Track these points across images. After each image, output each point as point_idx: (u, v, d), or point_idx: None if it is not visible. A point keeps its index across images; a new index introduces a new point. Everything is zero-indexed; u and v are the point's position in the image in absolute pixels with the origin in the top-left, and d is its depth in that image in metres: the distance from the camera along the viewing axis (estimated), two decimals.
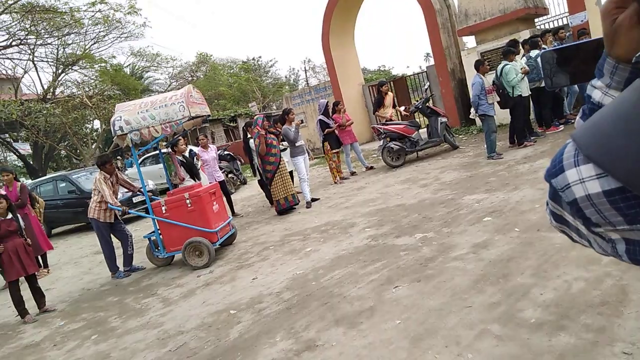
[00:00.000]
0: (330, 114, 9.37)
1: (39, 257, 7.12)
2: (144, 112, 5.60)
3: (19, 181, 7.65)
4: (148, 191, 6.21)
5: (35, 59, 20.39)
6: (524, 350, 2.37)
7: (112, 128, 5.69)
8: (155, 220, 5.97)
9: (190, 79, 32.54)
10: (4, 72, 20.65)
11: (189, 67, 33.85)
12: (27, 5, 17.28)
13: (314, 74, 41.66)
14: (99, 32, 20.96)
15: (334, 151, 9.23)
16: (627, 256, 0.65)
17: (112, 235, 6.31)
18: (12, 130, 20.62)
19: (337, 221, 6.17)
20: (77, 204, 10.92)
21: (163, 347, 3.63)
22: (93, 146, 20.96)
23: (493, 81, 7.66)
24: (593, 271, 2.98)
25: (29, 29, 18.18)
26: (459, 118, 11.98)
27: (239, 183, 13.22)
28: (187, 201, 5.74)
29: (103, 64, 22.76)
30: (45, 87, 22.06)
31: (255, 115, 9.02)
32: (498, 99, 7.59)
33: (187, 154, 7.58)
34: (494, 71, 7.92)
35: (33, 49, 19.67)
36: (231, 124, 26.40)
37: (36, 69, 21.27)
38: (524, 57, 8.06)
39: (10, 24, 17.88)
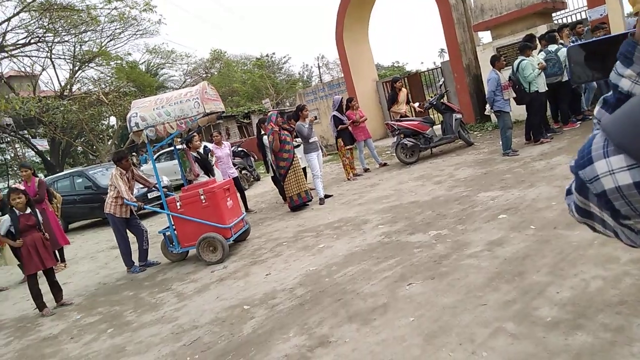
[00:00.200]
0: (344, 111, 9.34)
1: (56, 252, 7.24)
2: (159, 108, 5.65)
3: (37, 177, 7.79)
4: (163, 187, 6.27)
5: (52, 56, 20.75)
6: (540, 349, 2.34)
7: (128, 124, 5.75)
8: (170, 215, 6.03)
9: (204, 75, 32.77)
10: (22, 69, 21.03)
11: (203, 64, 34.10)
12: (45, 4, 17.54)
13: (327, 70, 41.68)
14: (115, 29, 21.22)
15: (348, 147, 9.21)
16: None
17: (127, 231, 6.40)
18: (30, 127, 21.00)
19: (350, 218, 6.16)
20: (94, 199, 11.10)
21: (177, 342, 3.67)
22: (109, 142, 21.25)
23: (509, 77, 7.56)
24: (611, 270, 2.93)
25: (47, 27, 18.47)
26: (473, 114, 11.86)
27: (252, 179, 13.28)
28: (202, 197, 5.79)
29: (119, 61, 23.03)
30: (63, 84, 22.44)
31: (269, 111, 9.04)
32: (514, 95, 7.49)
33: (201, 150, 7.63)
34: (510, 67, 7.80)
35: (51, 46, 20.01)
36: (245, 121, 26.52)
37: (54, 66, 21.66)
38: (541, 52, 7.94)
39: (29, 22, 18.19)
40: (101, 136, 21.66)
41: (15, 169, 23.34)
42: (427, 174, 7.73)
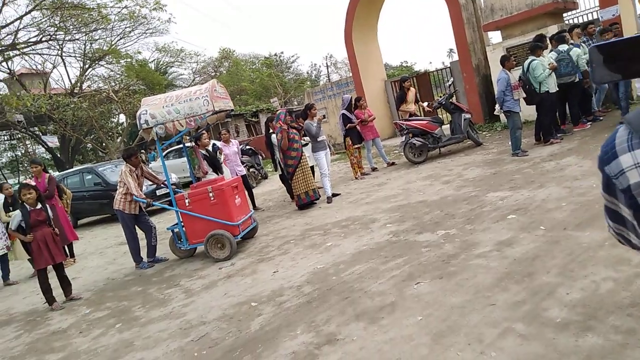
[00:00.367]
0: (352, 110, 9.33)
1: (65, 247, 7.30)
2: (169, 106, 5.68)
3: (47, 173, 7.86)
4: (171, 184, 6.30)
5: (63, 54, 20.97)
6: (549, 350, 2.32)
7: (137, 121, 5.78)
8: (179, 212, 6.06)
9: (213, 74, 32.89)
10: (34, 67, 21.25)
11: (212, 63, 34.22)
12: (57, 2, 17.70)
13: (335, 69, 41.65)
14: (125, 27, 21.41)
15: (356, 146, 9.20)
16: None
17: (136, 227, 6.44)
18: (41, 124, 21.20)
19: (358, 216, 6.16)
20: (103, 195, 11.18)
21: (185, 337, 3.69)
22: (118, 140, 21.40)
23: (519, 77, 7.51)
24: (622, 272, 2.90)
25: (58, 25, 18.64)
26: (482, 114, 11.79)
27: (260, 177, 13.30)
28: (210, 194, 5.81)
29: (128, 59, 23.22)
30: (73, 81, 22.66)
31: (277, 110, 9.06)
32: (524, 95, 7.44)
33: (210, 148, 7.66)
34: (520, 67, 7.75)
35: (62, 44, 20.22)
36: (253, 119, 26.60)
37: (64, 64, 21.89)
38: (552, 52, 7.88)
39: (40, 20, 18.37)
40: (110, 133, 21.81)
41: (26, 165, 23.61)
42: (436, 173, 7.70)
